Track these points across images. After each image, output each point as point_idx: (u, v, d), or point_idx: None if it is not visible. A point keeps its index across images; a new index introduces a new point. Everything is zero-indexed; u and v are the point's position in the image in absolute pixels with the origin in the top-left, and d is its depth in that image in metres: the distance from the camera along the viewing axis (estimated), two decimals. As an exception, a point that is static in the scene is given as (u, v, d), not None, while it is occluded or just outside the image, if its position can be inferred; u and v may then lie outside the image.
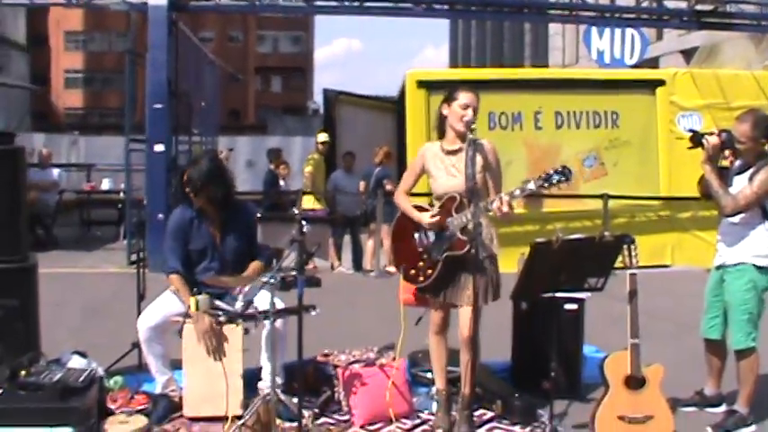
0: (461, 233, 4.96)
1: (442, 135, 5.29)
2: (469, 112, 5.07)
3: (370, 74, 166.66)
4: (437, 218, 5.07)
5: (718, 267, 5.56)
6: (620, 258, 5.00)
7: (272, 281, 4.78)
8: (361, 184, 12.69)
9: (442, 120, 5.25)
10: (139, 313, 5.76)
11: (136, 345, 5.88)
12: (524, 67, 46.95)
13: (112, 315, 8.48)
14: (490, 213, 4.91)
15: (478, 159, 4.97)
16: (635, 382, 4.86)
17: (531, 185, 4.77)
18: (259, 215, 5.94)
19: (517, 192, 4.79)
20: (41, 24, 54.50)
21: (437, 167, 5.21)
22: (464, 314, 5.06)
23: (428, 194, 5.50)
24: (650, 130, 13.00)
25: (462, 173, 4.89)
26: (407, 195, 5.42)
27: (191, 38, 14.84)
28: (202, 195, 5.51)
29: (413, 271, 5.19)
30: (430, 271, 5.11)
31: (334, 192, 13.06)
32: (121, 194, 15.67)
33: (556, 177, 4.72)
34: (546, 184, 4.75)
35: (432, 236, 5.14)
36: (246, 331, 5.31)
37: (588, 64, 27.77)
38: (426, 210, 5.22)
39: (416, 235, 5.19)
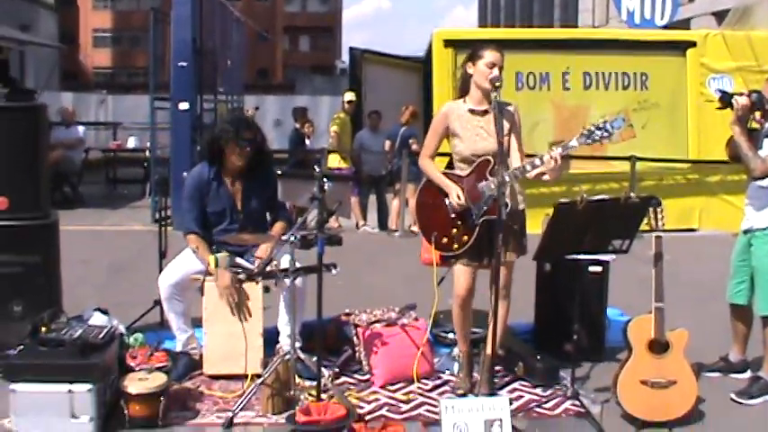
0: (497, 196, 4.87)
1: (464, 94, 5.18)
2: (495, 70, 4.96)
3: (399, 34, 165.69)
4: (470, 180, 4.99)
5: (746, 232, 5.44)
6: (645, 220, 4.90)
7: (292, 239, 4.72)
8: (387, 144, 12.60)
9: (466, 79, 5.14)
10: (161, 271, 5.75)
11: (158, 302, 5.88)
12: (553, 27, 46.47)
13: (136, 272, 8.50)
14: (531, 174, 4.85)
15: (505, 122, 4.90)
16: (659, 346, 4.78)
17: (574, 142, 4.73)
18: (279, 172, 5.88)
19: (560, 149, 4.74)
20: (70, -17, 54.51)
21: (464, 128, 5.08)
22: (501, 271, 4.97)
23: (445, 154, 5.39)
24: (680, 92, 12.80)
25: (492, 135, 4.80)
26: (432, 159, 5.30)
27: (216, -5, 14.71)
28: (236, 156, 5.43)
29: (446, 239, 5.07)
30: (466, 237, 5.02)
31: (360, 151, 12.98)
32: (147, 153, 15.68)
33: (598, 133, 4.68)
34: (588, 141, 4.71)
35: (466, 201, 5.03)
36: (267, 289, 5.28)
37: (618, 26, 27.37)
38: (453, 177, 5.11)
39: (448, 201, 5.07)
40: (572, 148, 4.75)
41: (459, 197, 4.97)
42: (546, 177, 4.87)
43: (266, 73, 63.27)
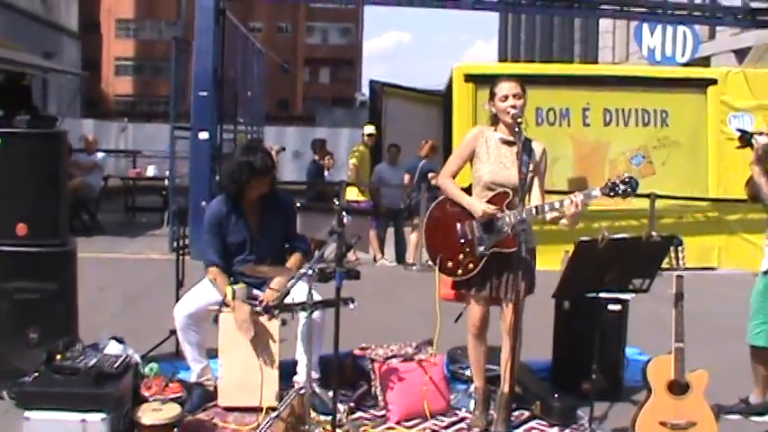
0: (512, 230, 4.85)
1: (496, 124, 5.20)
2: (510, 101, 4.97)
3: (419, 68, 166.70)
4: (493, 208, 4.96)
5: (766, 272, 5.40)
6: (666, 259, 4.86)
7: (311, 272, 4.70)
8: (406, 177, 12.60)
9: (493, 117, 5.16)
10: (178, 301, 5.73)
11: (174, 332, 5.85)
12: (573, 63, 46.59)
13: (153, 301, 8.49)
14: (550, 216, 4.84)
15: (529, 159, 4.92)
16: (678, 387, 4.72)
17: (597, 192, 4.71)
18: (299, 205, 5.88)
19: (581, 197, 4.72)
20: (93, 12, 55.11)
21: (488, 153, 5.08)
22: (509, 308, 4.95)
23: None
24: (700, 129, 12.75)
25: (515, 167, 4.79)
26: (453, 179, 5.27)
27: (238, 26, 14.83)
28: (256, 186, 5.44)
29: (451, 263, 5.08)
30: (471, 265, 5.01)
31: (379, 184, 12.98)
32: (166, 181, 15.73)
33: (621, 187, 4.65)
34: (611, 194, 4.68)
35: (477, 228, 5.02)
36: (284, 322, 5.25)
37: (638, 62, 27.43)
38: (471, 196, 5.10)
39: (459, 226, 5.07)
40: (593, 198, 4.74)
41: (487, 207, 4.94)
42: (563, 222, 4.86)
43: (286, 104, 63.64)
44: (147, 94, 62.49)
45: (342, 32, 70.61)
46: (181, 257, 6.68)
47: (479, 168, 5.13)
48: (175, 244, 9.56)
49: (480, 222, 4.99)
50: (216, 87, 12.47)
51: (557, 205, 4.77)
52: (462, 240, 5.05)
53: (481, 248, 4.97)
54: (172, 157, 13.49)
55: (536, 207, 4.85)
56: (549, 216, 4.86)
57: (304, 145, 20.94)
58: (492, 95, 5.08)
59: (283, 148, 18.60)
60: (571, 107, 12.66)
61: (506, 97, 4.98)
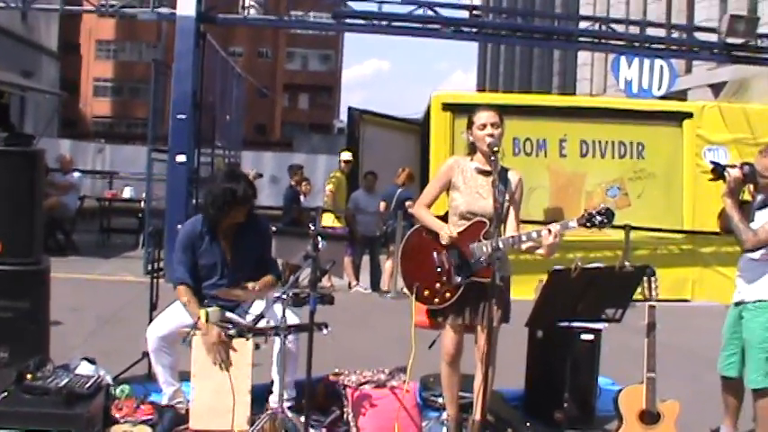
0: (488, 260, 4.88)
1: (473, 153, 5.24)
2: (488, 130, 5.01)
3: (397, 95, 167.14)
4: (462, 236, 4.98)
5: (737, 304, 5.44)
6: (639, 290, 4.90)
7: (285, 296, 4.71)
8: (382, 205, 12.64)
9: (471, 146, 5.21)
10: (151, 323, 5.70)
11: (146, 354, 5.82)
12: (552, 95, 46.92)
13: (126, 323, 8.45)
14: (526, 246, 4.87)
15: (506, 188, 4.96)
16: (649, 417, 4.75)
17: (573, 223, 4.76)
18: (274, 229, 5.88)
19: (558, 227, 4.76)
20: (74, 32, 54.98)
21: (465, 183, 5.12)
22: (482, 334, 4.97)
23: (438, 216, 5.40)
24: (676, 162, 12.89)
25: (491, 196, 4.82)
26: (428, 209, 5.31)
27: (218, 50, 14.87)
28: (235, 215, 5.44)
29: (427, 292, 5.09)
30: (448, 294, 5.03)
31: (355, 211, 13.01)
32: (142, 203, 15.69)
33: (598, 218, 4.71)
34: (588, 224, 4.74)
35: (454, 258, 5.05)
36: (257, 346, 5.23)
37: (616, 94, 27.63)
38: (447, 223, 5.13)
39: (435, 255, 5.09)
40: (570, 229, 4.78)
41: (450, 232, 4.96)
42: (540, 251, 4.88)
43: (264, 129, 63.62)
44: (125, 115, 62.31)
45: (322, 59, 70.84)
46: (155, 280, 6.66)
47: (455, 198, 5.17)
48: (150, 266, 9.53)
49: (456, 252, 5.02)
50: (194, 111, 12.49)
51: (534, 235, 4.81)
52: (439, 269, 5.07)
53: (458, 278, 4.99)
54: (149, 180, 13.45)
55: (512, 237, 4.89)
56: (524, 246, 4.89)
57: (281, 170, 20.97)
58: (470, 124, 5.13)
59: (260, 175, 18.57)
60: (548, 138, 12.75)
61: (484, 126, 5.02)
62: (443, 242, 4.99)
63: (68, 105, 45.14)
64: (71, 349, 6.11)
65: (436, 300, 5.07)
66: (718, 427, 5.67)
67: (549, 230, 4.74)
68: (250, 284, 5.41)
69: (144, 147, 15.76)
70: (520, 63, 65.77)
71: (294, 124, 66.09)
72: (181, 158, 12.24)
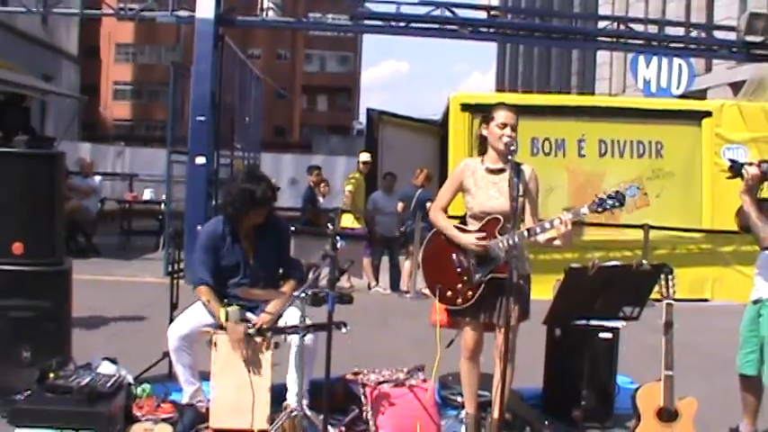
0: (506, 256, 4.90)
1: (483, 154, 5.25)
2: (507, 130, 5.03)
3: (416, 97, 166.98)
4: (483, 240, 5.02)
5: (755, 302, 5.44)
6: (657, 289, 4.91)
7: (303, 295, 4.74)
8: (400, 205, 12.67)
9: (482, 141, 5.22)
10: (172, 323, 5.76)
11: (167, 354, 5.87)
12: (570, 95, 46.78)
13: (147, 324, 8.53)
14: (540, 238, 4.90)
15: (520, 185, 4.94)
16: (667, 414, 4.76)
17: (585, 210, 4.79)
18: (293, 228, 5.92)
19: (570, 215, 4.78)
20: (93, 36, 55.26)
21: (477, 185, 5.15)
22: (502, 331, 4.98)
23: (457, 217, 5.43)
24: (694, 161, 12.90)
25: (504, 194, 4.86)
26: (444, 213, 5.35)
27: (237, 52, 14.95)
28: (254, 215, 5.50)
29: (450, 293, 5.13)
30: (470, 293, 5.06)
31: (374, 212, 13.05)
32: (162, 205, 15.78)
33: (609, 202, 4.73)
34: (599, 209, 4.76)
35: (472, 257, 5.08)
36: (276, 345, 5.29)
37: (635, 94, 27.54)
38: (465, 230, 5.16)
39: (454, 256, 5.13)
40: (582, 216, 4.80)
41: (476, 240, 4.99)
42: (557, 242, 4.90)
43: (283, 131, 63.80)
44: (144, 118, 62.65)
45: (340, 61, 70.95)
46: (175, 281, 6.72)
47: (469, 200, 5.22)
48: (170, 268, 9.59)
49: (474, 251, 5.05)
50: (213, 112, 12.56)
51: (547, 225, 4.83)
52: (459, 269, 5.11)
53: (478, 275, 5.02)
54: (168, 182, 13.53)
55: (528, 230, 4.92)
56: (542, 238, 4.91)
57: (300, 172, 21.04)
58: (489, 119, 5.13)
59: (277, 188, 18.65)
60: (567, 138, 12.77)
61: (504, 125, 5.04)
62: (470, 248, 5.02)
63: (88, 109, 45.42)
64: (93, 349, 6.16)
65: (459, 300, 5.10)
66: (737, 425, 5.67)
67: (561, 219, 4.76)
68: (270, 306, 5.46)
69: (163, 149, 15.84)
70: (538, 63, 65.69)
71: (313, 126, 66.25)
72: (200, 160, 12.32)
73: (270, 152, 27.17)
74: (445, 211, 5.35)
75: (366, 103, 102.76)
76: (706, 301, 12.54)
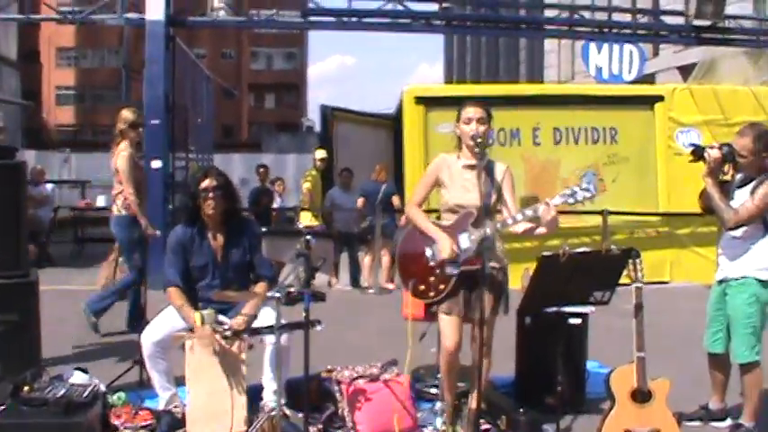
0: (477, 248, 5.01)
1: (459, 149, 5.39)
2: (473, 125, 5.17)
3: (364, 90, 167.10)
4: (452, 229, 5.14)
5: (720, 281, 5.62)
6: (624, 273, 5.04)
7: (278, 295, 4.80)
8: (360, 201, 12.72)
9: (458, 139, 5.36)
10: (136, 331, 5.74)
11: (137, 361, 5.90)
12: (520, 83, 47.14)
13: (110, 332, 8.48)
14: (519, 227, 5.05)
15: (492, 180, 5.12)
16: (641, 395, 4.88)
17: (557, 200, 4.91)
18: (264, 230, 5.97)
19: (556, 199, 4.92)
20: (33, 41, 54.58)
21: (452, 179, 5.29)
22: (478, 324, 5.06)
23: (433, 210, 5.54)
24: (649, 146, 13.11)
25: (477, 189, 4.96)
26: (420, 207, 5.46)
27: (188, 53, 14.90)
28: (212, 204, 5.53)
29: (422, 287, 5.22)
30: (442, 286, 5.16)
31: (332, 208, 13.09)
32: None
33: (581, 193, 4.88)
34: (570, 200, 4.89)
35: None
36: (251, 346, 5.34)
37: (583, 81, 27.80)
38: (442, 226, 5.25)
39: (428, 250, 5.22)
40: (554, 206, 4.91)
41: (452, 249, 5.08)
42: (541, 230, 5.03)
43: (232, 131, 63.45)
44: (89, 122, 61.87)
45: (286, 57, 70.70)
46: (141, 287, 6.72)
47: (444, 194, 5.36)
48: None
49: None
50: (168, 115, 12.52)
51: (529, 213, 4.95)
52: (432, 263, 5.20)
53: (450, 269, 5.12)
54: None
55: (501, 221, 5.04)
56: (520, 228, 5.03)
57: (250, 172, 21.02)
58: (458, 117, 5.29)
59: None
60: (521, 127, 12.92)
61: (470, 120, 5.20)
62: (445, 256, 5.10)
63: (31, 115, 44.87)
64: (60, 360, 6.15)
65: (431, 293, 5.20)
66: (707, 402, 5.85)
67: (548, 203, 4.89)
68: (245, 307, 5.51)
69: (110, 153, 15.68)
70: (486, 53, 66.08)
71: (261, 124, 66.01)
72: (156, 164, 12.26)
73: (219, 153, 27.08)
74: (420, 206, 5.45)
75: (314, 99, 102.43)
76: (666, 283, 12.75)
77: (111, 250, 10.46)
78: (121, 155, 8.51)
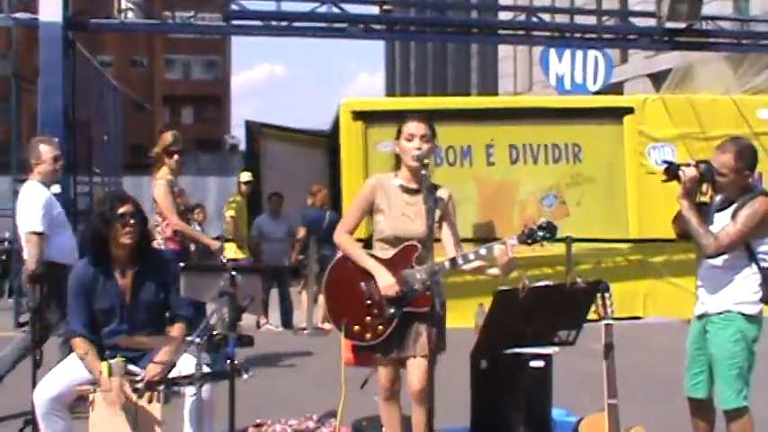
0: (424, 286, 4.97)
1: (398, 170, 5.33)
2: (416, 142, 5.11)
3: (296, 104, 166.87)
4: (392, 264, 5.08)
5: (700, 317, 5.54)
6: (592, 308, 5.05)
7: (199, 340, 4.73)
8: (301, 231, 12.70)
9: (397, 158, 5.30)
10: (35, 384, 5.62)
11: (29, 422, 5.78)
12: (471, 95, 47.52)
13: (2, 387, 8.32)
14: (472, 266, 5.02)
15: (437, 208, 5.04)
16: (614, 448, 4.90)
17: (513, 241, 4.88)
18: (182, 265, 5.89)
19: (513, 240, 4.89)
20: None
21: (391, 205, 5.22)
22: (415, 366, 5.05)
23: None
24: (617, 164, 13.15)
25: (421, 217, 4.94)
26: (351, 235, 5.38)
27: (90, 60, 14.74)
28: (120, 238, 5.44)
29: (357, 327, 5.13)
30: (381, 327, 5.08)
31: (259, 239, 13.02)
32: (6, 244, 15.40)
33: (540, 234, 4.84)
34: (528, 241, 4.86)
35: None
36: (167, 400, 5.25)
37: (543, 92, 28.15)
38: (379, 259, 5.17)
39: (363, 285, 5.16)
40: (510, 247, 4.90)
41: (397, 289, 5.02)
42: (492, 271, 5.01)
43: (143, 150, 62.79)
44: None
45: (206, 66, 70.48)
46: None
47: (380, 221, 5.26)
48: (24, 317, 9.39)
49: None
50: (67, 132, 12.34)
51: (483, 252, 4.93)
52: (369, 301, 5.13)
53: (391, 310, 5.05)
54: (14, 215, 13.21)
55: (451, 260, 5.01)
56: (470, 266, 5.02)
57: (165, 198, 20.78)
58: (399, 133, 5.22)
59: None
60: (473, 145, 12.91)
61: (412, 137, 5.13)
62: (389, 293, 5.05)
63: None
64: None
65: (368, 335, 5.11)
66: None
67: (507, 244, 4.87)
68: (159, 355, 5.42)
69: (4, 176, 15.47)
70: (433, 60, 66.45)
71: (178, 142, 65.58)
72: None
73: (129, 175, 26.72)
74: (352, 233, 5.40)
75: (239, 113, 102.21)
76: (639, 318, 12.81)
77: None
78: (158, 183, 8.51)
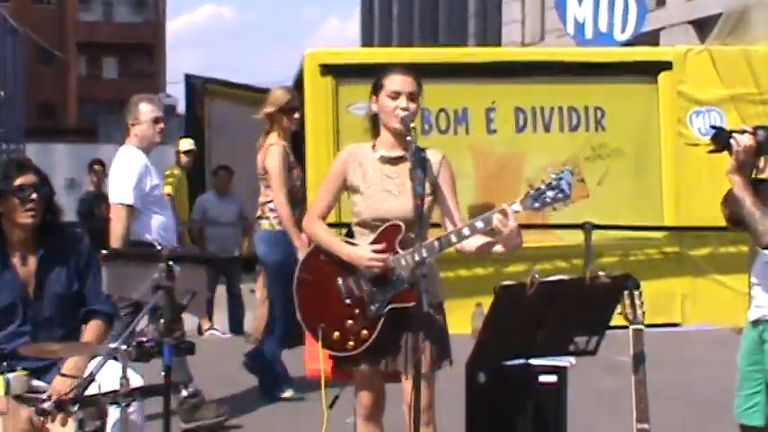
0: (410, 278, 4.95)
1: (376, 137, 5.30)
2: (402, 101, 5.07)
3: (248, 55, 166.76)
4: (382, 255, 5.07)
5: (756, 323, 5.49)
6: (618, 310, 5.04)
7: (124, 348, 4.72)
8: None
9: (373, 119, 5.28)
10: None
11: None
12: (468, 46, 47.46)
13: None
14: (469, 243, 5.02)
15: (427, 177, 5.01)
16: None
17: (517, 206, 4.86)
18: (104, 252, 5.84)
19: (515, 205, 4.87)
20: None
21: (368, 181, 5.20)
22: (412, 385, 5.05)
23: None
24: (650, 133, 13.12)
25: (406, 192, 4.93)
26: (323, 221, 5.39)
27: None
28: (17, 215, 5.40)
29: (337, 333, 5.12)
30: (365, 332, 5.07)
31: (203, 222, 13.00)
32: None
33: (550, 194, 4.85)
34: (537, 204, 4.85)
35: (366, 282, 5.11)
36: (81, 424, 5.24)
37: (557, 42, 28.16)
38: (354, 244, 5.19)
39: (341, 281, 5.16)
40: (513, 214, 4.86)
41: (374, 255, 5.01)
42: (497, 248, 5.00)
43: (53, 110, 62.71)
44: None
45: (135, 6, 70.24)
46: None
47: (356, 202, 5.26)
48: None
49: (368, 273, 5.07)
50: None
51: (479, 225, 4.88)
52: (349, 300, 5.13)
53: (375, 306, 5.06)
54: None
55: (438, 239, 4.97)
56: (468, 246, 5.03)
57: (80, 170, 20.71)
58: (377, 88, 5.18)
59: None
60: (470, 107, 12.88)
61: (397, 94, 5.08)
62: (371, 266, 5.04)
63: None
64: None
65: (351, 343, 5.11)
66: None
67: (505, 211, 4.82)
68: (68, 365, 5.40)
69: None
70: (420, 3, 66.38)
71: (97, 102, 65.30)
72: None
73: (34, 141, 26.57)
74: (324, 219, 5.40)
75: (176, 66, 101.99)
76: (677, 325, 12.78)
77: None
78: (272, 150, 8.49)
